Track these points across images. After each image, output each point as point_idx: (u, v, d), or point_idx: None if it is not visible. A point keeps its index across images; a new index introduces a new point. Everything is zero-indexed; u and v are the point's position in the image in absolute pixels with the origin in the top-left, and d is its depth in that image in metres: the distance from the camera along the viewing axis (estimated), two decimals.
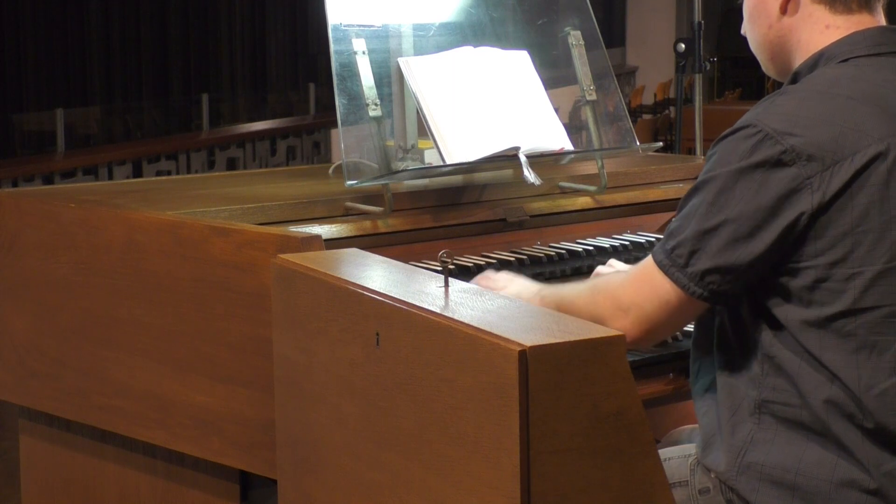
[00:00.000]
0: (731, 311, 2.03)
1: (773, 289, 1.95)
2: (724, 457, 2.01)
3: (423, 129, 2.78)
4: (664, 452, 2.19)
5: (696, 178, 3.17)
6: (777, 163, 1.91)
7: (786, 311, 1.95)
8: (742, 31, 2.20)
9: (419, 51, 2.86)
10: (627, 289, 2.06)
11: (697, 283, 1.96)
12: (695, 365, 2.16)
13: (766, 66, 2.18)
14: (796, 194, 1.90)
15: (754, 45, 2.17)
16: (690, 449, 2.14)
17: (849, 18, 2.06)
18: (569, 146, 2.89)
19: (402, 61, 2.81)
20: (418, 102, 2.76)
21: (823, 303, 1.92)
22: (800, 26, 2.08)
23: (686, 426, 2.48)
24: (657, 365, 2.49)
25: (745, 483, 1.98)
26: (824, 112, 1.94)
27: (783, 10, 2.09)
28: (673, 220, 2.03)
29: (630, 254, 2.87)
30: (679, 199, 3.08)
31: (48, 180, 8.55)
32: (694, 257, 1.96)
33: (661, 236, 2.96)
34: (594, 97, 2.98)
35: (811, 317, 1.92)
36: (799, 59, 2.09)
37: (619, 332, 1.66)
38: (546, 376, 1.57)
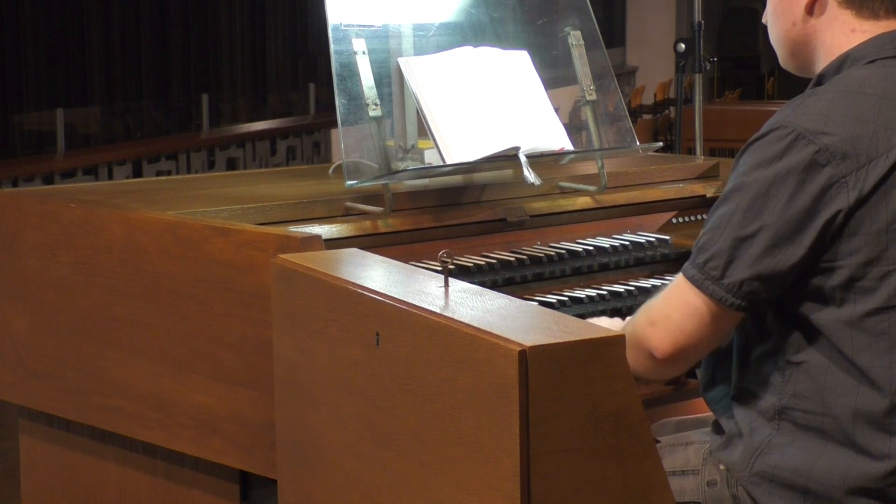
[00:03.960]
0: (754, 316, 2.01)
1: (805, 289, 1.93)
2: (739, 455, 2.01)
3: (423, 129, 2.78)
4: (688, 436, 2.19)
5: (696, 177, 3.20)
6: (811, 164, 1.89)
7: (817, 312, 1.93)
8: (763, 20, 2.17)
9: (419, 51, 2.86)
10: (659, 303, 2.03)
11: (736, 293, 1.92)
12: (709, 367, 2.14)
13: (786, 61, 2.15)
14: (832, 193, 1.88)
15: (775, 39, 2.14)
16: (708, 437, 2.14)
17: (875, 24, 2.03)
18: (569, 146, 2.89)
19: (402, 61, 2.81)
20: (418, 102, 2.76)
21: (856, 301, 1.90)
22: (825, 28, 2.05)
23: (672, 418, 2.47)
24: None
25: (756, 483, 1.97)
26: (856, 110, 1.92)
27: (809, 11, 2.06)
28: (700, 234, 1.99)
29: (630, 254, 2.87)
30: (679, 199, 3.11)
31: (48, 180, 8.54)
32: (731, 267, 1.92)
33: (662, 236, 2.98)
34: (594, 97, 2.98)
35: (844, 316, 1.91)
36: (823, 61, 2.06)
37: (619, 333, 1.66)
38: (546, 376, 1.57)
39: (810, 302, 1.93)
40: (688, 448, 2.14)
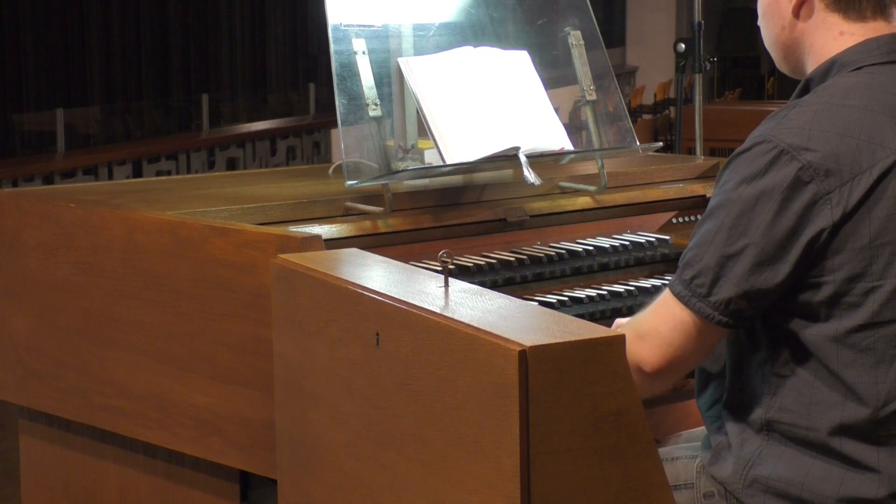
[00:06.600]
0: (747, 328, 2.00)
1: (790, 305, 1.92)
2: (730, 467, 2.00)
3: (423, 129, 2.78)
4: (672, 451, 2.19)
5: (696, 177, 3.20)
6: (796, 181, 1.87)
7: (803, 327, 1.92)
8: (758, 23, 2.15)
9: (419, 51, 2.86)
10: (647, 318, 2.01)
11: (723, 311, 1.91)
12: (702, 374, 2.14)
13: (780, 64, 2.14)
14: (816, 211, 1.87)
15: (767, 43, 2.13)
16: (698, 449, 2.14)
17: (863, 25, 2.01)
18: (569, 146, 2.89)
19: (402, 61, 2.81)
20: (418, 102, 2.76)
21: (842, 317, 1.89)
22: (813, 31, 2.04)
23: (686, 431, 2.47)
24: None
25: (750, 495, 1.97)
26: (840, 125, 1.90)
27: (796, 15, 2.04)
28: (686, 249, 1.97)
29: (630, 254, 2.87)
30: (679, 199, 3.11)
31: (48, 180, 8.55)
32: (717, 285, 1.91)
33: (662, 236, 2.98)
34: (594, 97, 2.98)
35: (829, 331, 1.90)
36: (811, 64, 2.05)
37: (620, 333, 1.65)
38: (546, 376, 1.57)
39: (796, 317, 1.92)
40: (675, 463, 2.13)
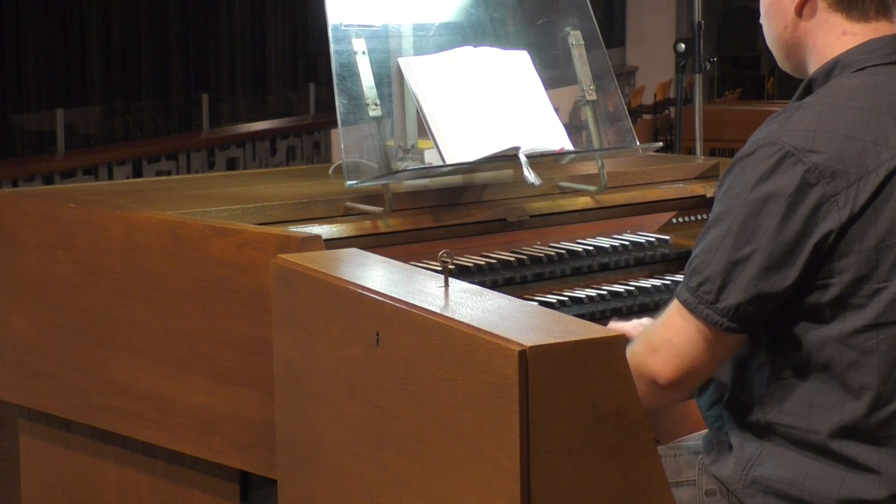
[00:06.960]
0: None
1: (794, 307, 1.91)
2: (731, 467, 2.00)
3: (423, 129, 2.78)
4: (674, 447, 2.18)
5: (696, 177, 3.20)
6: (802, 184, 1.86)
7: (806, 329, 1.91)
8: (761, 21, 2.14)
9: (419, 51, 2.86)
10: (658, 329, 1.98)
11: (731, 317, 1.89)
12: None
13: (782, 63, 2.13)
14: (823, 213, 1.86)
15: (770, 41, 2.12)
16: (700, 448, 2.13)
17: (866, 25, 2.01)
18: (569, 146, 2.89)
19: (402, 61, 2.81)
20: (418, 102, 2.76)
21: (846, 318, 1.88)
22: (816, 31, 2.03)
23: (692, 434, 2.46)
24: None
25: (750, 495, 1.97)
26: (844, 126, 1.90)
27: (799, 14, 2.03)
28: (692, 256, 1.95)
29: (630, 254, 2.87)
30: (679, 199, 3.11)
31: (48, 180, 8.55)
32: (724, 291, 1.89)
33: (662, 236, 2.98)
34: (594, 97, 2.98)
35: (832, 333, 1.89)
36: (814, 64, 2.04)
37: (620, 333, 1.65)
38: (546, 376, 1.57)
39: (800, 319, 1.91)
40: (678, 459, 2.12)
